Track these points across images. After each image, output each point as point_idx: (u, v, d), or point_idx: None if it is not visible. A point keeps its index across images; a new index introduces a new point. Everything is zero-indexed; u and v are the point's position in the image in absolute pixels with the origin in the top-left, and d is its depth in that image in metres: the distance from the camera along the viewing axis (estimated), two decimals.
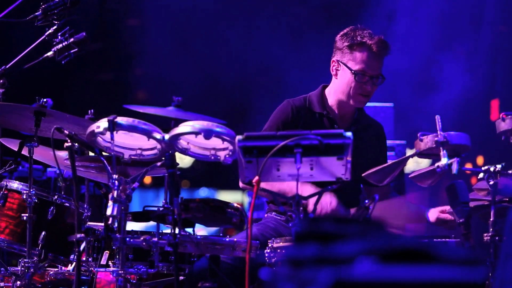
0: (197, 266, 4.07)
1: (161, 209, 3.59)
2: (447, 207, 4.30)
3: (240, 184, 4.42)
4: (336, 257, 1.78)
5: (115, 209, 3.48)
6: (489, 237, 3.80)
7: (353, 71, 4.51)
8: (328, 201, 4.23)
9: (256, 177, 3.29)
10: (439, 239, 4.00)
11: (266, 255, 3.81)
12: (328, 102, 4.63)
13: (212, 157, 3.63)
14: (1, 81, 4.50)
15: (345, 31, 4.60)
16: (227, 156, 3.61)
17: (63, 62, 4.47)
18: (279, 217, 4.57)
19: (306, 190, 4.02)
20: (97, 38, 9.28)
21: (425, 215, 4.43)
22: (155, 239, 3.61)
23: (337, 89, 4.60)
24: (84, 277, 4.13)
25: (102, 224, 3.56)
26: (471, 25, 9.23)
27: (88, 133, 3.60)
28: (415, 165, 8.04)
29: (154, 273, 3.94)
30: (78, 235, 3.60)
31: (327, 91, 4.66)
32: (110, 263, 4.10)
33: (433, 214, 4.42)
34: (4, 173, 4.43)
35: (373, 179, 3.98)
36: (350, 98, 4.55)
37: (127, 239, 3.55)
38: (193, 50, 9.66)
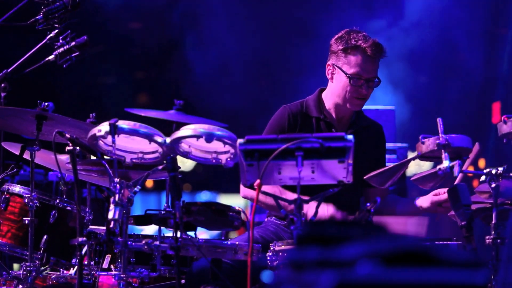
0: (196, 266, 4.07)
1: (163, 212, 3.58)
2: (440, 190, 4.29)
3: (241, 194, 4.42)
4: (338, 260, 1.78)
5: (117, 212, 3.48)
6: (491, 240, 3.80)
7: (348, 75, 4.48)
8: (325, 208, 4.23)
9: (258, 180, 3.29)
10: (440, 242, 3.99)
11: (268, 258, 3.81)
12: (326, 106, 4.61)
13: (214, 161, 3.63)
14: (3, 85, 4.51)
15: (339, 34, 4.57)
16: (228, 159, 3.61)
17: (64, 66, 4.47)
18: (279, 222, 4.57)
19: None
20: (99, 42, 9.28)
21: (415, 204, 4.43)
22: (157, 242, 3.61)
23: (333, 92, 4.58)
24: (86, 281, 4.13)
25: (104, 227, 3.56)
26: (475, 28, 9.24)
27: (89, 137, 3.60)
28: (417, 167, 8.05)
29: (156, 277, 3.94)
30: (80, 239, 3.60)
31: (324, 94, 4.64)
32: (112, 266, 4.11)
33: (425, 200, 4.41)
34: (6, 177, 4.43)
35: (375, 181, 3.98)
36: (347, 102, 4.53)
37: (129, 242, 3.55)
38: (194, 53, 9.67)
